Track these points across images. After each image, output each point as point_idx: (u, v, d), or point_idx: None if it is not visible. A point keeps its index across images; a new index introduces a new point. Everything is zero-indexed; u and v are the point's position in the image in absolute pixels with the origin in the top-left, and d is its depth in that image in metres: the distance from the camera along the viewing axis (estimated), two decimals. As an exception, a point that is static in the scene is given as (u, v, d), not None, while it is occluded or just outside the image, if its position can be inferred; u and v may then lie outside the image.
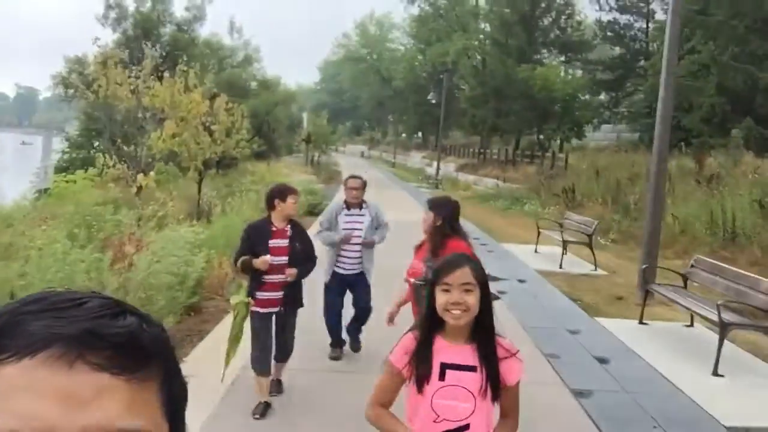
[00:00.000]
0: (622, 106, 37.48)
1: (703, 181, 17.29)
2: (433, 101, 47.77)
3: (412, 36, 59.37)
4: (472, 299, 2.17)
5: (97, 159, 8.97)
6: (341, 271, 5.88)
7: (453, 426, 2.20)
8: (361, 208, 5.91)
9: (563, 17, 41.00)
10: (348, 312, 6.04)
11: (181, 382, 0.63)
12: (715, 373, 5.68)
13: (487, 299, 2.23)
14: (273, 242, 4.67)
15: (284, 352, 4.94)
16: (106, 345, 0.55)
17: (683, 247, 14.12)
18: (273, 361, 4.86)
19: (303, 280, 4.87)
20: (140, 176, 7.90)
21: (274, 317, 4.78)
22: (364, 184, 5.96)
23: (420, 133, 63.46)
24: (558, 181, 24.26)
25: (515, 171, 31.23)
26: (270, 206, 4.74)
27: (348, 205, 5.90)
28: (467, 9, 48.50)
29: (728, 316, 5.74)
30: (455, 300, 2.16)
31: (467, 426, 2.20)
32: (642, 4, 35.57)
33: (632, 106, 34.10)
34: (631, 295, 8.96)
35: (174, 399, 0.61)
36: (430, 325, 2.25)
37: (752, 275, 6.40)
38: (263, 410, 4.61)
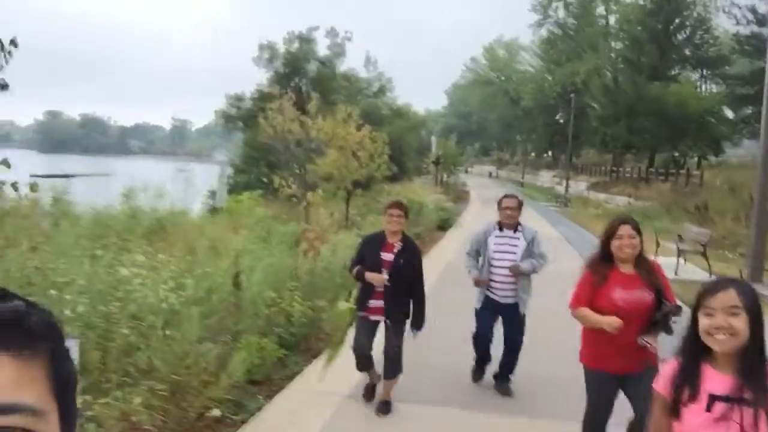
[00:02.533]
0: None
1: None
2: (562, 120, 48.01)
3: (540, 57, 59.86)
4: (739, 323, 2.03)
5: (275, 179, 11.23)
6: (494, 298, 5.41)
7: None
8: (515, 230, 5.41)
9: (699, 33, 40.07)
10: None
11: (70, 366, 0.63)
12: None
13: (757, 325, 2.06)
14: (381, 255, 4.83)
15: (390, 368, 4.93)
16: None
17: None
18: (381, 378, 5.04)
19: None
20: (309, 194, 9.93)
21: (382, 327, 4.93)
22: (520, 204, 5.48)
23: (550, 153, 63.45)
24: (692, 198, 24.15)
25: (648, 189, 30.96)
26: None
27: (501, 226, 5.43)
28: (597, 29, 48.46)
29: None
30: (719, 324, 2.04)
31: None
32: (783, 16, 34.12)
33: (773, 120, 32.72)
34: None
35: (62, 381, 0.61)
36: (693, 351, 2.15)
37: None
38: (367, 390, 5.06)
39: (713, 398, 2.05)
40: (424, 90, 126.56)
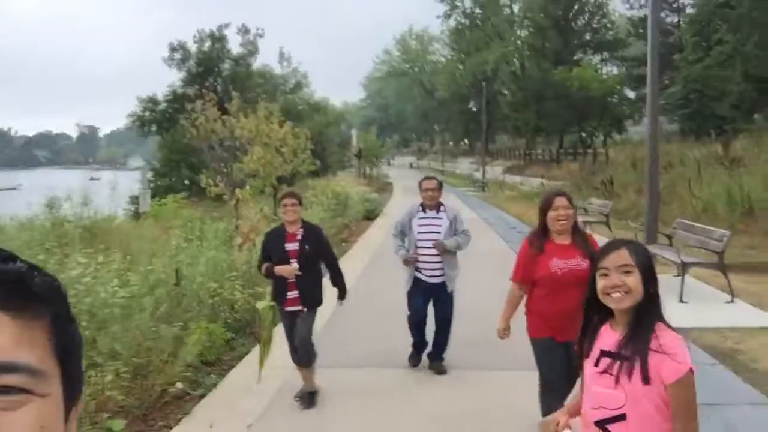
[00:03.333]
0: (661, 98, 38.55)
1: (727, 164, 18.70)
2: (475, 109, 49.70)
3: (451, 47, 61.41)
4: (632, 281, 2.11)
5: (202, 179, 11.47)
6: (423, 278, 5.54)
7: (609, 414, 2.14)
8: (438, 210, 5.59)
9: (596, 18, 42.54)
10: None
11: (74, 330, 0.63)
12: (681, 300, 7.58)
13: (650, 282, 2.16)
14: (286, 246, 4.83)
15: (303, 355, 4.92)
16: None
17: (705, 224, 15.70)
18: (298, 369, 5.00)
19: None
20: (237, 191, 10.26)
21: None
22: (440, 185, 5.68)
23: (466, 141, 65.28)
24: (599, 174, 25.75)
25: (559, 169, 32.58)
26: None
27: (424, 207, 5.61)
28: (503, 18, 50.31)
29: (686, 258, 7.63)
30: (614, 283, 2.11)
31: (623, 416, 2.12)
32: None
33: (669, 98, 35.29)
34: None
35: (66, 345, 0.61)
36: (589, 311, 2.28)
37: (709, 227, 8.27)
38: (301, 394, 4.91)
39: (602, 354, 2.18)
40: (340, 82, 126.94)
